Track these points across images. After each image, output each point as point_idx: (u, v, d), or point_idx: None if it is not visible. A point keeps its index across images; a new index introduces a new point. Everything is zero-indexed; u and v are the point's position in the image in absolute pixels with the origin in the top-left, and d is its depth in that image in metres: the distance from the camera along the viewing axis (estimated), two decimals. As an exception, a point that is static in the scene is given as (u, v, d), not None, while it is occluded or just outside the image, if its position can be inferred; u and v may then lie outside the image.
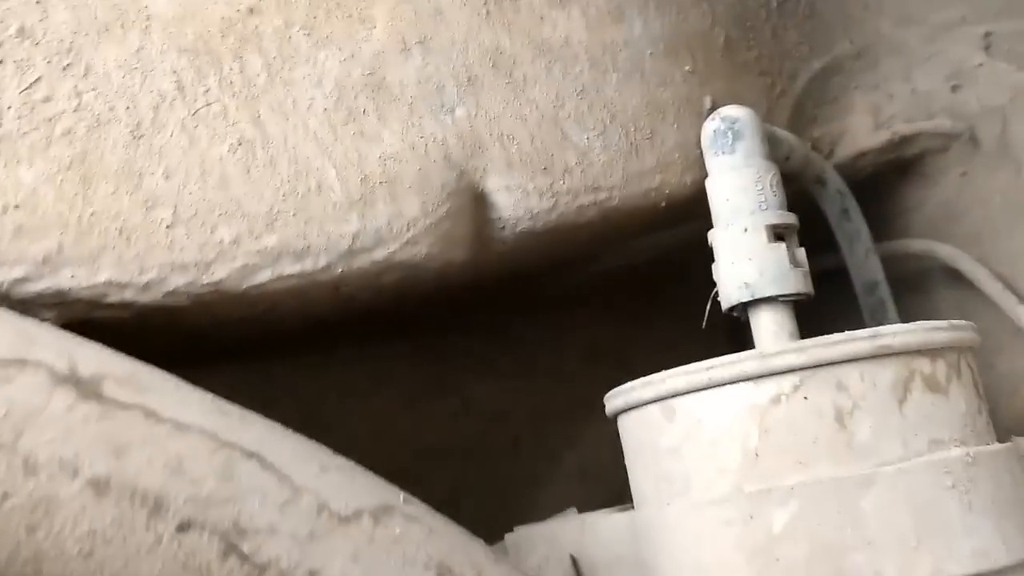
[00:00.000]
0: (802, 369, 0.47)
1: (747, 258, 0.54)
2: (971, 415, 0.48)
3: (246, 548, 0.38)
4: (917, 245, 0.72)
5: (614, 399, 0.53)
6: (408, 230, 0.49)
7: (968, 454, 0.46)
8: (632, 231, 0.61)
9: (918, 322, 0.49)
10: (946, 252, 0.71)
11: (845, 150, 0.70)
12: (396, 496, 0.44)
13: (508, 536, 0.58)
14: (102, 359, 0.39)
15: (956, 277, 0.72)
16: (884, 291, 0.67)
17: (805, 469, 0.46)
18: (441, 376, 0.75)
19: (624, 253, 0.77)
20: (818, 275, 0.75)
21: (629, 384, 0.52)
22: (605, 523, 0.54)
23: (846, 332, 0.47)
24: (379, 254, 0.49)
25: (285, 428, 0.43)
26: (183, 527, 0.37)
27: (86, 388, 0.38)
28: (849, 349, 0.46)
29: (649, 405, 0.51)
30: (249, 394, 0.70)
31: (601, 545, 0.54)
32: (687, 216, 0.61)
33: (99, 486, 0.36)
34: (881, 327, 0.48)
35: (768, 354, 0.47)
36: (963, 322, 0.51)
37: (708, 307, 0.57)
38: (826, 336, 0.47)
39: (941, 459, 0.46)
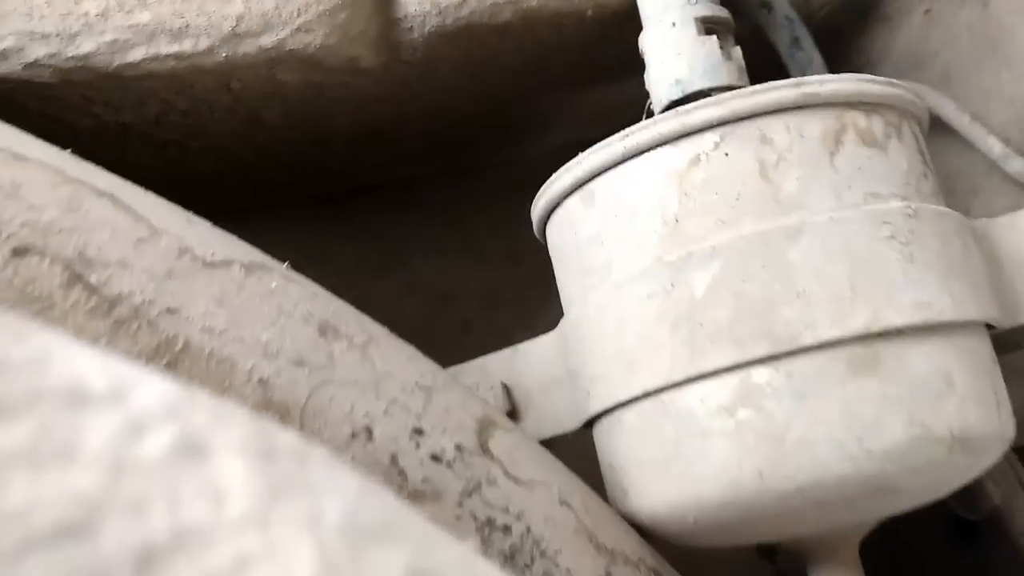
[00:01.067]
0: (722, 124, 0.43)
1: (677, 54, 0.50)
2: (915, 176, 0.44)
3: (93, 279, 0.34)
4: (881, 88, 0.68)
5: (537, 203, 0.50)
6: (298, 16, 0.46)
7: (909, 207, 0.42)
8: (562, 51, 0.58)
9: (850, 73, 0.45)
10: (912, 88, 0.67)
11: (795, -15, 0.66)
12: (278, 264, 0.40)
13: (438, 370, 0.54)
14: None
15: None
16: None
17: (728, 228, 0.42)
18: (385, 254, 0.72)
19: (573, 125, 0.74)
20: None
21: (549, 180, 0.49)
22: (534, 347, 0.51)
23: (769, 82, 0.43)
24: (267, 40, 0.45)
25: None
26: (19, 252, 0.34)
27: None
28: (772, 98, 0.43)
29: (570, 198, 0.47)
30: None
31: (533, 370, 0.50)
32: (620, 39, 0.57)
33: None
34: (808, 76, 0.44)
35: (685, 111, 0.43)
36: (905, 83, 0.47)
37: (644, 116, 0.53)
38: (747, 87, 0.44)
39: (878, 210, 0.42)
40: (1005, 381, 0.55)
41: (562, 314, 0.50)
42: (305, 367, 0.37)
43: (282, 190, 0.63)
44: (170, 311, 0.35)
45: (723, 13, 0.51)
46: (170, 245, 0.37)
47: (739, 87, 0.50)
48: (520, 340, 0.76)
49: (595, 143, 0.51)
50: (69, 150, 0.38)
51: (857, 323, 0.39)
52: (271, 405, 0.36)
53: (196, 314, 0.36)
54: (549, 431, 0.49)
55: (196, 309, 0.36)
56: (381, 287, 0.71)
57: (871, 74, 0.72)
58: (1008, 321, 0.45)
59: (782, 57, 0.64)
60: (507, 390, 0.51)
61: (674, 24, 0.51)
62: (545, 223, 0.50)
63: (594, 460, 0.48)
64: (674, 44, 0.50)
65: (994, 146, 0.63)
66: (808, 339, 0.39)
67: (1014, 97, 0.65)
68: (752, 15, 0.63)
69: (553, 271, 0.51)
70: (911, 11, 0.69)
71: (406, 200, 0.73)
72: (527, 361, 0.51)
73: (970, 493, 0.53)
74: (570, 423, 0.48)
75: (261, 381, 0.36)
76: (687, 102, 0.50)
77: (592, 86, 0.65)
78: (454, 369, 0.54)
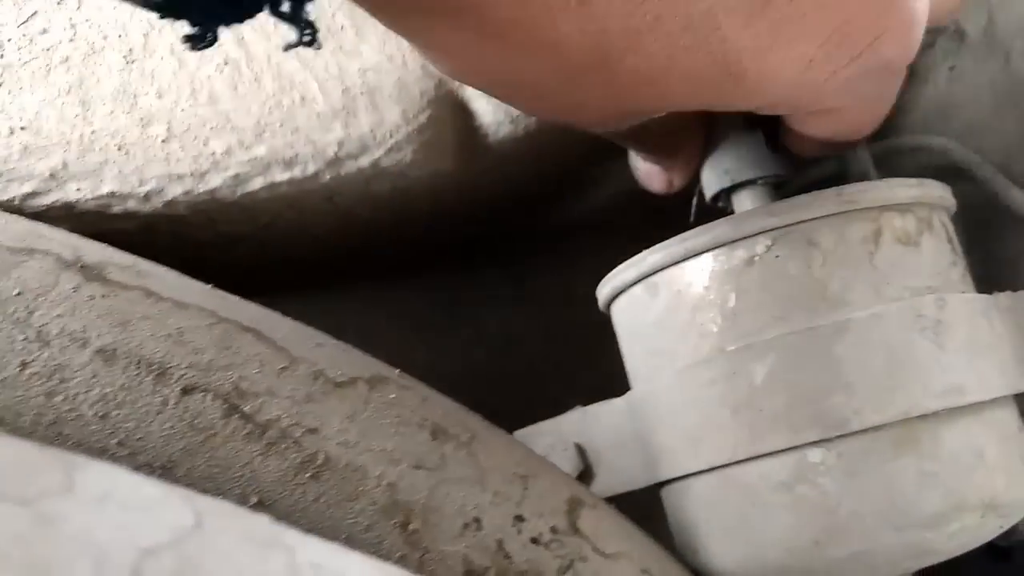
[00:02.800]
0: (773, 230, 0.48)
1: (725, 147, 0.56)
2: (944, 266, 0.50)
3: (247, 408, 0.41)
4: (909, 141, 0.73)
5: (603, 288, 0.56)
6: (391, 137, 0.52)
7: (941, 298, 0.48)
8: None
9: (885, 179, 0.50)
10: (938, 143, 0.72)
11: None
12: (391, 371, 0.47)
13: (516, 433, 0.60)
14: (105, 251, 0.43)
15: (953, 172, 0.73)
16: (874, 182, 0.68)
17: (781, 323, 0.48)
18: (454, 309, 0.78)
19: (624, 175, 0.79)
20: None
21: (614, 270, 0.54)
22: (604, 410, 0.57)
23: (814, 192, 0.49)
24: (364, 161, 0.52)
25: (283, 315, 0.46)
26: (187, 391, 0.40)
27: (90, 272, 0.41)
28: (817, 206, 0.48)
29: (634, 286, 0.53)
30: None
31: (603, 430, 0.56)
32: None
33: (107, 355, 0.40)
34: (848, 184, 0.49)
35: (740, 219, 0.49)
36: (934, 181, 0.52)
37: (694, 201, 0.59)
38: (795, 197, 0.49)
39: (912, 304, 0.47)
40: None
41: (618, 351, 0.56)
42: (423, 469, 0.44)
43: (358, 264, 0.69)
44: (311, 430, 0.42)
45: (767, 107, 0.57)
46: (306, 372, 0.43)
47: (784, 176, 0.56)
48: (581, 380, 0.83)
49: (643, 195, 0.58)
50: (211, 285, 0.45)
51: (896, 410, 0.45)
52: (398, 504, 0.43)
53: (332, 431, 0.42)
54: (619, 488, 0.55)
55: (332, 427, 0.42)
56: (452, 339, 0.77)
57: (899, 124, 0.78)
58: (1034, 384, 0.51)
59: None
60: (580, 450, 0.57)
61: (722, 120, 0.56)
62: (610, 303, 0.56)
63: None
64: (723, 138, 0.56)
65: (1017, 196, 0.68)
66: (855, 425, 0.45)
67: (1036, 147, 0.70)
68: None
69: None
70: (936, 67, 0.74)
71: (470, 257, 0.79)
72: (598, 423, 0.57)
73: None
74: (639, 482, 0.54)
75: (389, 484, 0.42)
76: (736, 191, 0.56)
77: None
78: (531, 429, 0.61)
